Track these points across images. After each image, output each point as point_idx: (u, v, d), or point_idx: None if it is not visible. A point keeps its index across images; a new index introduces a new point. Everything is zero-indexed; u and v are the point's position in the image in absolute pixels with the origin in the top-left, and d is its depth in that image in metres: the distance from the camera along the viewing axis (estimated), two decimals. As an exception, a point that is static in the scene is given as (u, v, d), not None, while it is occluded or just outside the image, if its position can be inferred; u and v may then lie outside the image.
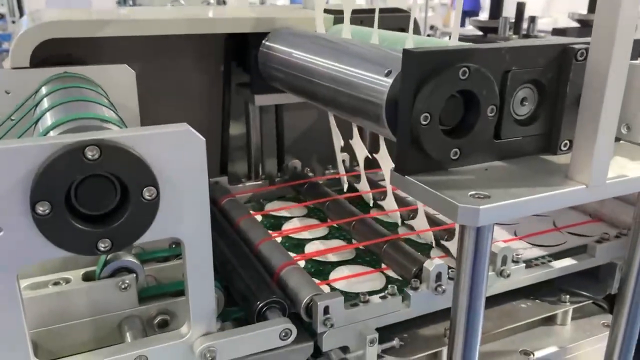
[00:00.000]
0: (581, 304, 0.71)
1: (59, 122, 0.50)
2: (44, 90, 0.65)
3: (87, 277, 0.56)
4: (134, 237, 0.45)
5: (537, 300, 0.71)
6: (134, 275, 0.56)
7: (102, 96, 0.65)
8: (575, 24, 1.28)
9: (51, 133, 0.49)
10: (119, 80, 0.74)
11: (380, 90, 0.56)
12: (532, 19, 1.05)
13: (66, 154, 0.41)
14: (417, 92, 0.48)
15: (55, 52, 0.80)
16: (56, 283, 0.55)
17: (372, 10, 0.77)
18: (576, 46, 0.53)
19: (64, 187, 0.41)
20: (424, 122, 0.48)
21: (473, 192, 0.47)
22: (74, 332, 0.54)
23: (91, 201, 0.43)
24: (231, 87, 1.03)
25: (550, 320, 0.71)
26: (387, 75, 0.56)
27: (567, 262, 0.71)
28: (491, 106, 0.51)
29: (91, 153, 0.41)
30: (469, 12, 5.21)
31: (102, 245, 0.44)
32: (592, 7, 1.22)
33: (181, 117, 1.02)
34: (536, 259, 0.72)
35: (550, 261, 0.71)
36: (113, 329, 0.55)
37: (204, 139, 0.46)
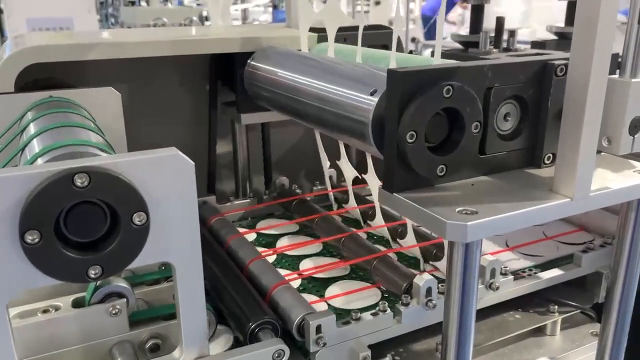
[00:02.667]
0: (569, 314, 0.72)
1: (47, 149, 0.50)
2: (29, 115, 0.65)
3: (77, 304, 0.55)
4: (124, 263, 0.45)
5: (526, 312, 0.72)
6: (125, 300, 0.55)
7: (89, 120, 0.65)
8: (553, 37, 1.30)
9: (39, 160, 0.49)
10: (104, 103, 0.73)
11: (366, 109, 0.57)
12: (512, 33, 1.07)
13: (55, 182, 0.41)
14: (402, 111, 0.49)
15: (39, 76, 0.80)
16: (45, 311, 0.54)
17: (356, 28, 0.78)
18: (556, 62, 0.54)
19: (54, 215, 0.41)
20: (410, 140, 0.49)
21: (460, 208, 0.47)
22: (64, 360, 0.53)
23: (81, 228, 0.43)
24: (217, 106, 1.03)
25: (539, 331, 0.71)
26: (373, 94, 0.57)
27: (554, 272, 0.72)
28: (475, 122, 0.52)
29: (80, 180, 0.41)
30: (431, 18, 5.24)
31: (93, 272, 0.43)
32: (569, 20, 1.24)
33: (167, 138, 1.03)
34: (523, 270, 0.73)
35: (537, 272, 0.72)
36: (104, 355, 0.54)
37: (193, 163, 0.46)
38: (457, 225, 0.45)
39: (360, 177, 0.85)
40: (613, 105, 0.52)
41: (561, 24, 1.30)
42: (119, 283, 0.56)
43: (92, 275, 0.44)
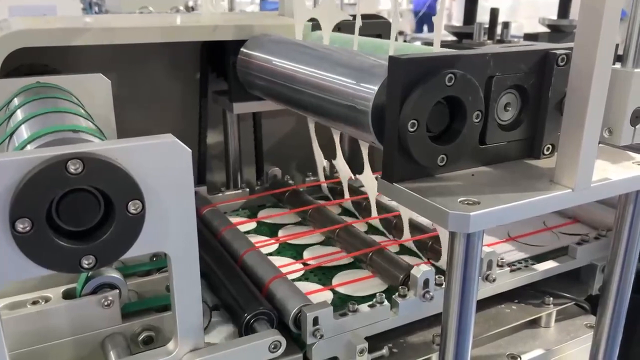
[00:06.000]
0: (564, 306, 0.72)
1: (37, 135, 0.48)
2: (16, 101, 0.63)
3: (68, 295, 0.54)
4: (119, 253, 0.44)
5: (521, 304, 0.71)
6: (117, 291, 0.54)
7: (79, 106, 0.63)
8: (544, 29, 1.31)
9: (28, 146, 0.47)
10: (94, 89, 0.71)
11: (366, 97, 0.56)
12: (506, 25, 1.07)
13: (48, 168, 0.39)
14: (404, 99, 0.48)
15: (26, 62, 0.78)
16: (35, 302, 0.53)
17: (350, 17, 0.77)
18: (557, 52, 0.54)
19: (45, 202, 0.40)
20: (411, 129, 0.48)
21: (462, 199, 0.47)
22: (55, 353, 0.52)
23: (74, 217, 0.41)
24: (208, 95, 1.01)
25: (534, 323, 0.71)
26: (373, 82, 0.56)
27: (549, 264, 0.72)
28: (477, 112, 0.51)
29: (74, 167, 0.40)
30: (427, 15, 5.25)
31: (86, 262, 0.42)
32: (561, 13, 1.24)
33: (157, 127, 1.01)
34: (520, 261, 0.72)
35: (532, 264, 0.72)
36: (96, 348, 0.53)
37: (190, 150, 0.45)
38: (459, 215, 0.45)
39: (354, 177, 0.85)
40: (615, 96, 0.52)
41: (547, 15, 1.30)
42: (111, 274, 0.55)
43: (85, 266, 0.42)
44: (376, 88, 0.55)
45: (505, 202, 0.47)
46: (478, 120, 0.51)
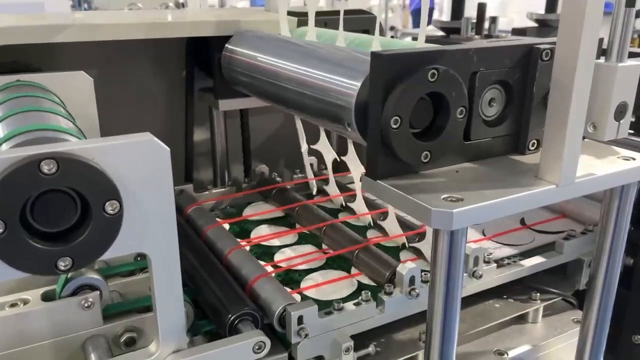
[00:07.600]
0: (551, 301, 0.72)
1: (13, 134, 0.47)
2: (-5, 99, 0.62)
3: (47, 297, 0.53)
4: (96, 254, 0.43)
5: (508, 300, 0.71)
6: (98, 292, 0.53)
7: (59, 105, 0.62)
8: (533, 24, 1.31)
9: (3, 146, 0.47)
10: (76, 88, 0.70)
11: (349, 93, 0.55)
12: (493, 20, 1.07)
13: (20, 169, 0.38)
14: (386, 96, 0.47)
15: (6, 60, 0.77)
16: (13, 304, 0.52)
17: (336, 12, 0.76)
18: (541, 46, 0.53)
19: (19, 204, 0.39)
20: (394, 126, 0.47)
21: (446, 195, 0.46)
22: (34, 356, 0.51)
23: (49, 218, 0.41)
24: (194, 92, 1.00)
25: (522, 319, 0.71)
26: (356, 78, 0.55)
27: (536, 260, 0.72)
28: (460, 108, 0.51)
29: (47, 167, 0.39)
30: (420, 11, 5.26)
31: (63, 264, 0.41)
32: (549, 7, 1.24)
33: (142, 125, 1.00)
34: (507, 257, 0.72)
35: (519, 260, 0.72)
36: (77, 351, 0.52)
37: (169, 149, 0.44)
38: (442, 212, 0.44)
39: (339, 159, 0.84)
40: (599, 91, 0.51)
41: (538, 10, 1.30)
42: (92, 275, 0.54)
43: (62, 268, 0.41)
44: (359, 84, 0.54)
45: (489, 198, 0.46)
46: (462, 116, 0.51)
